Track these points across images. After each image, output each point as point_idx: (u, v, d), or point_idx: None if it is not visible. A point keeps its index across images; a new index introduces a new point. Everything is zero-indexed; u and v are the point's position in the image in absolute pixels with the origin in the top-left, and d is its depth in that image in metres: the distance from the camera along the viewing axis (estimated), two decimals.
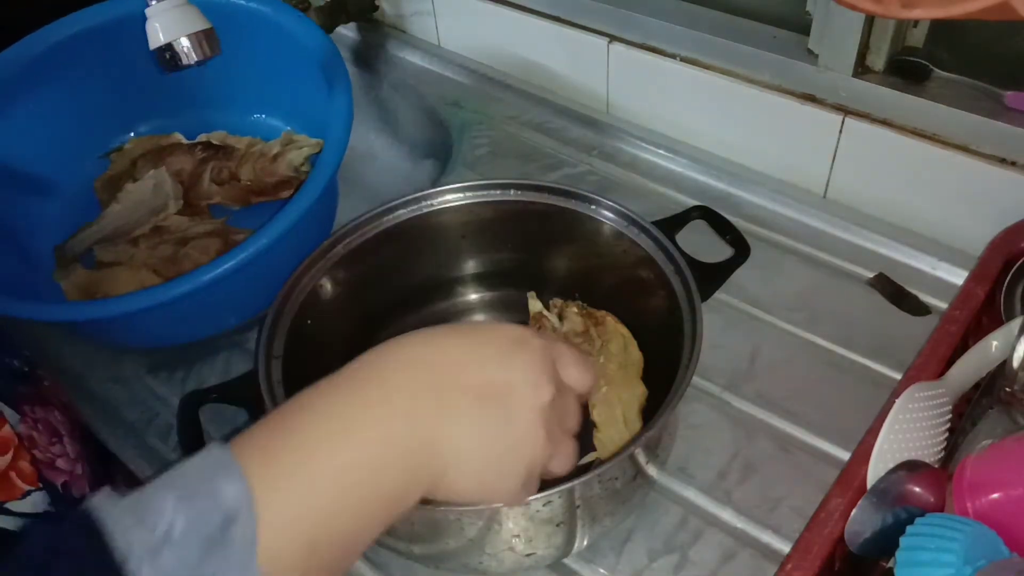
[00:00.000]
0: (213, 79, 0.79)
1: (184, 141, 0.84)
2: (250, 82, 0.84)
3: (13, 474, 0.46)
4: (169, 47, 0.56)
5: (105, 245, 0.77)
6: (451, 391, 0.37)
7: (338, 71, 0.70)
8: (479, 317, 0.70)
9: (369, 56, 1.04)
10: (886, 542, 0.45)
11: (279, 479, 0.32)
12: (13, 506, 0.46)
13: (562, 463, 0.41)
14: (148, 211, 0.78)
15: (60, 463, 0.50)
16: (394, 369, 0.38)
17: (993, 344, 0.53)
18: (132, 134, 0.86)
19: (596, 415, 0.59)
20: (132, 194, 0.79)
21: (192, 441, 0.54)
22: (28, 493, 0.47)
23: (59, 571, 0.29)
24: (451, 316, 0.67)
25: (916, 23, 0.69)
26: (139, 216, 0.78)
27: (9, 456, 0.46)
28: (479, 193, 0.65)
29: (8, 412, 0.47)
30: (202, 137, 0.85)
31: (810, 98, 0.72)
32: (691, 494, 0.57)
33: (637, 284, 0.61)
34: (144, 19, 0.56)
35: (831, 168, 0.74)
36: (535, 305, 0.66)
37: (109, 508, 0.30)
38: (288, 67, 0.78)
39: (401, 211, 0.65)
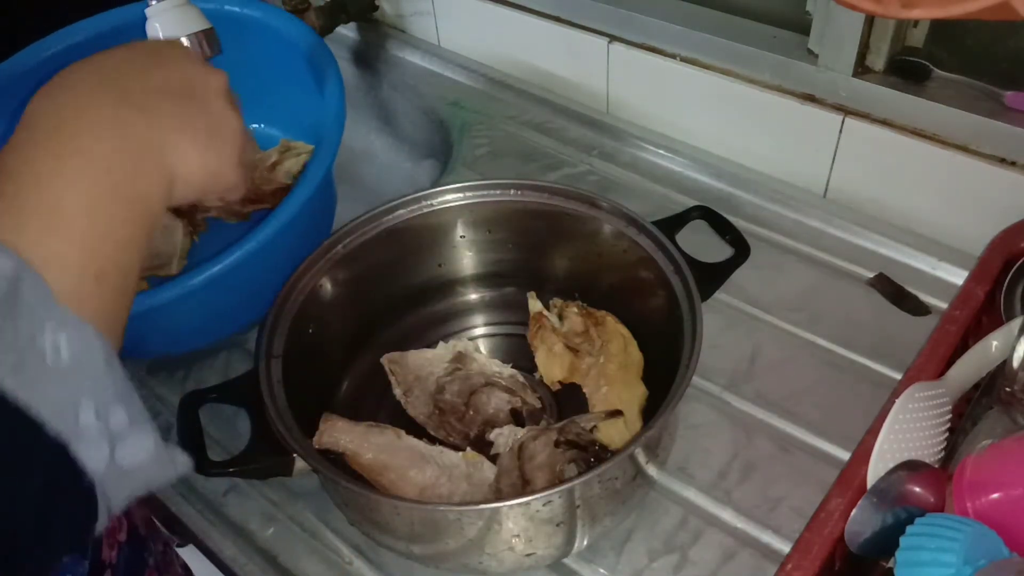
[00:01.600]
0: None
1: None
2: (246, 91, 0.83)
3: None
4: None
5: None
6: (144, 96, 0.39)
7: (330, 73, 0.69)
8: (479, 317, 0.70)
9: (369, 56, 1.04)
10: (886, 542, 0.45)
11: (38, 234, 0.33)
12: None
13: (252, 145, 0.46)
14: (152, 249, 0.76)
15: None
16: (81, 96, 0.38)
17: (993, 344, 0.53)
18: None
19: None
20: None
21: (192, 441, 0.54)
22: None
23: None
24: (451, 316, 0.67)
25: (916, 23, 0.69)
26: None
27: None
28: (479, 193, 0.65)
29: None
30: None
31: (810, 98, 0.72)
32: (691, 494, 0.57)
33: (637, 284, 0.61)
34: (138, 29, 0.56)
35: (831, 168, 0.74)
36: (535, 305, 0.66)
37: None
38: (284, 74, 0.77)
39: (401, 211, 0.65)
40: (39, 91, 0.38)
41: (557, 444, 0.54)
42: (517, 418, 0.61)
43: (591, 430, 0.57)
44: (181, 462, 0.36)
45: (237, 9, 0.75)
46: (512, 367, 0.64)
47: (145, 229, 0.37)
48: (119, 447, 0.32)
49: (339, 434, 0.57)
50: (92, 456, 0.31)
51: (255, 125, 0.87)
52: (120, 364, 0.34)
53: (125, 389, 0.34)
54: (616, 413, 0.58)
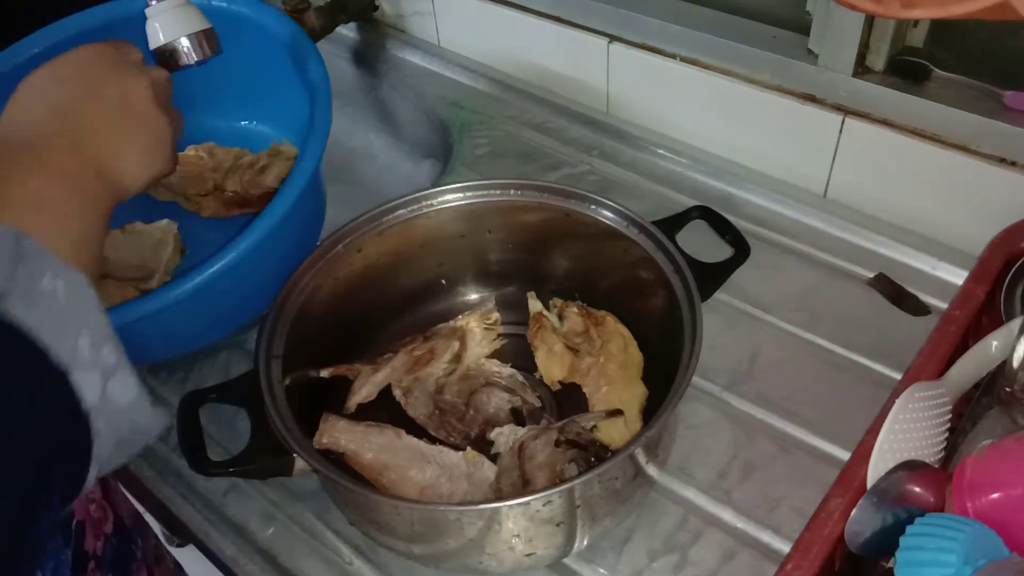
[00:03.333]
0: (201, 86, 0.78)
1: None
2: (240, 88, 0.83)
3: None
4: (169, 47, 0.56)
5: None
6: (81, 119, 0.46)
7: (316, 72, 0.68)
8: None
9: (369, 56, 1.04)
10: (886, 542, 0.45)
11: (20, 217, 0.39)
12: None
13: (178, 125, 0.54)
14: (139, 260, 0.76)
15: None
16: (27, 127, 0.45)
17: (993, 344, 0.53)
18: None
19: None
20: (139, 235, 0.77)
21: (192, 441, 0.54)
22: None
23: None
24: (451, 316, 0.67)
25: (916, 23, 0.69)
26: (130, 260, 0.76)
27: None
28: (479, 193, 0.65)
29: None
30: (190, 149, 0.83)
31: (810, 98, 0.72)
32: (691, 494, 0.57)
33: (637, 284, 0.61)
34: (138, 23, 0.56)
35: (831, 168, 0.74)
36: (535, 305, 0.66)
37: None
38: (276, 73, 0.77)
39: (401, 211, 0.65)
40: (8, 105, 0.46)
41: (557, 443, 0.55)
42: (517, 417, 0.61)
43: (591, 429, 0.57)
44: (160, 414, 0.40)
45: (225, 5, 0.75)
46: (512, 367, 0.64)
47: (101, 218, 0.45)
48: (110, 382, 0.36)
49: (339, 434, 0.57)
50: (88, 385, 0.35)
51: (246, 122, 0.87)
52: (103, 308, 0.38)
53: (112, 332, 0.38)
54: (616, 412, 0.58)
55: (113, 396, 0.36)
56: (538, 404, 0.62)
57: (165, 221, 0.78)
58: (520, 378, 0.63)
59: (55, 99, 0.47)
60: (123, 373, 0.37)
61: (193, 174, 0.82)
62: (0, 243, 0.36)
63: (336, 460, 0.56)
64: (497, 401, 0.61)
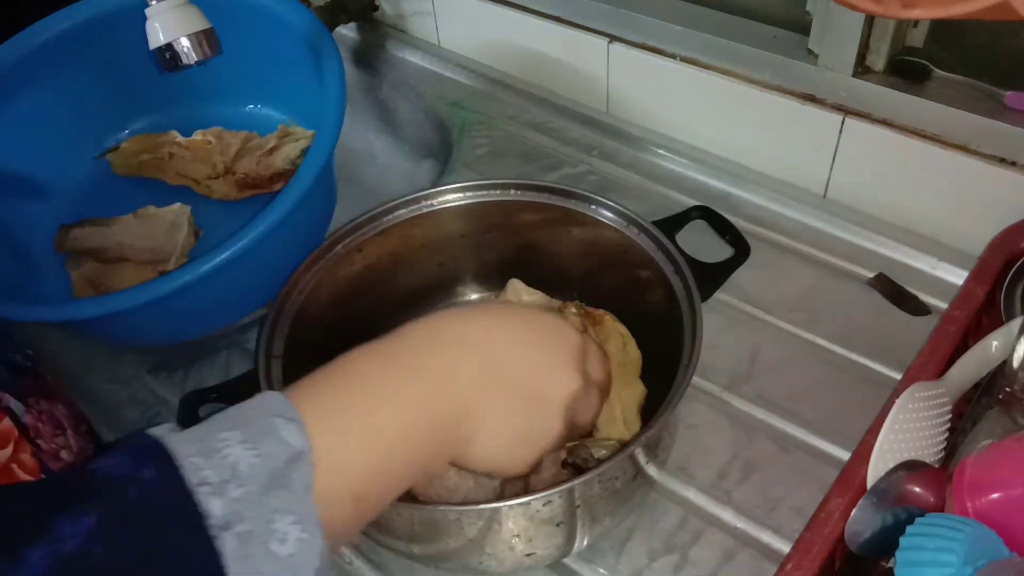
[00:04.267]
0: (207, 71, 0.78)
1: (181, 139, 0.84)
2: (244, 73, 0.83)
3: (15, 466, 0.46)
4: (169, 47, 0.56)
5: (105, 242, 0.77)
6: (494, 377, 0.42)
7: (330, 56, 0.69)
8: None
9: (369, 56, 1.04)
10: (886, 542, 0.45)
11: (330, 434, 0.35)
12: None
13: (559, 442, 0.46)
14: (154, 244, 0.77)
15: (63, 454, 0.50)
16: (443, 343, 0.42)
17: (993, 344, 0.53)
18: (127, 131, 0.85)
19: None
20: (152, 218, 0.78)
21: None
22: None
23: (131, 497, 0.30)
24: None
25: (916, 23, 0.69)
26: (144, 244, 0.77)
27: (9, 449, 0.46)
28: (479, 193, 0.65)
29: (14, 403, 0.47)
30: (198, 134, 0.84)
31: (810, 98, 0.72)
32: (691, 494, 0.57)
33: (637, 284, 0.61)
34: (136, 12, 0.56)
35: (831, 168, 0.74)
36: (516, 293, 0.66)
37: (177, 441, 0.32)
38: (281, 56, 0.77)
39: (401, 211, 0.65)
40: (417, 323, 0.43)
41: (564, 464, 0.54)
42: None
43: (598, 458, 0.56)
44: None
45: None
46: None
47: (412, 481, 0.40)
48: None
49: None
50: None
51: (252, 106, 0.87)
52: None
53: None
54: (625, 445, 0.57)
55: None
56: None
57: (178, 204, 0.79)
58: None
59: (475, 330, 0.43)
60: None
61: (202, 158, 0.83)
62: (271, 439, 0.33)
63: None
64: None
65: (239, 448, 0.33)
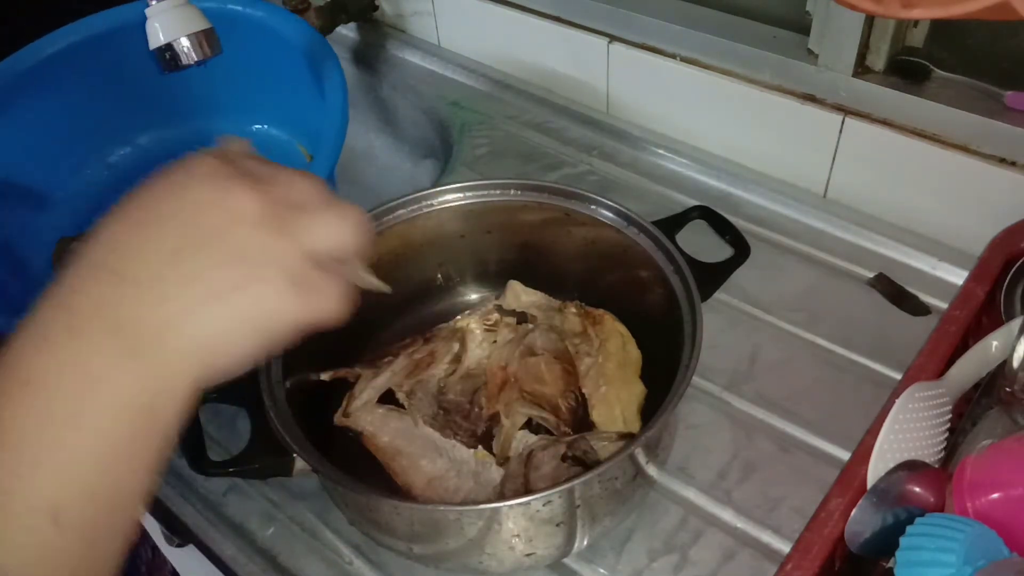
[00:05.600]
0: (212, 88, 0.78)
1: None
2: (249, 91, 0.83)
3: None
4: (169, 47, 0.56)
5: None
6: (150, 284, 0.31)
7: (333, 76, 0.69)
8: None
9: (369, 56, 1.04)
10: (886, 542, 0.45)
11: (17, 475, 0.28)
12: None
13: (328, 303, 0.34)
14: None
15: None
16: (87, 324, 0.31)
17: (993, 344, 0.53)
18: (129, 148, 0.85)
19: (595, 415, 0.59)
20: None
21: (192, 441, 0.54)
22: None
23: None
24: (451, 317, 0.67)
25: (916, 23, 0.69)
26: None
27: None
28: (479, 193, 0.65)
29: None
30: None
31: (810, 98, 0.72)
32: (691, 494, 0.57)
33: (637, 284, 0.61)
34: (140, 29, 0.56)
35: (831, 168, 0.74)
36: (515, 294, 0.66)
37: None
38: (287, 75, 0.77)
39: (401, 211, 0.65)
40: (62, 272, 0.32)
41: (564, 458, 0.55)
42: None
43: (598, 451, 0.56)
44: None
45: (240, 8, 0.75)
46: None
47: (144, 447, 0.31)
48: None
49: (361, 413, 0.57)
50: None
51: (259, 126, 0.87)
52: None
53: None
54: (628, 436, 0.58)
55: None
56: None
57: None
58: None
59: (113, 261, 0.32)
60: None
61: None
62: None
63: (336, 460, 0.56)
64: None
65: None
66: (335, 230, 0.35)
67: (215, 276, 0.31)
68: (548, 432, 0.58)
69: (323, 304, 0.34)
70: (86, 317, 0.31)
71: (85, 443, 0.29)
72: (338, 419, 0.57)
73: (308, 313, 0.34)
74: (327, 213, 0.35)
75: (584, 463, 0.54)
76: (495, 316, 0.66)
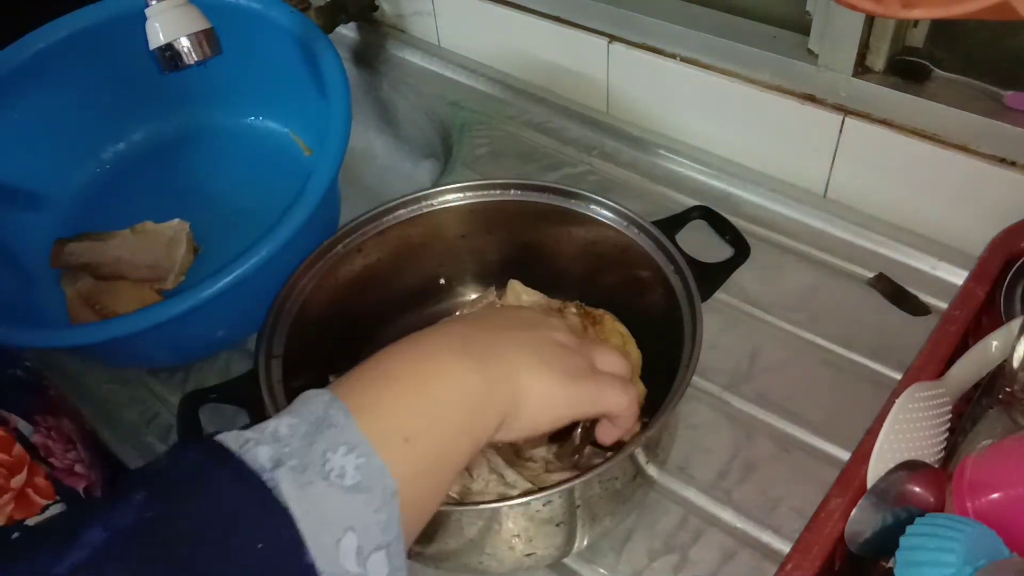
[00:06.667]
0: (208, 81, 0.77)
1: None
2: (246, 84, 0.82)
3: (30, 491, 0.46)
4: (169, 47, 0.56)
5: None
6: (489, 338, 0.42)
7: (335, 74, 0.68)
8: None
9: (369, 56, 1.04)
10: (886, 542, 0.45)
11: (373, 394, 0.36)
12: (32, 523, 0.45)
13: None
14: (152, 260, 0.75)
15: (78, 468, 0.50)
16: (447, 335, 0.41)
17: (993, 344, 0.53)
18: (123, 144, 0.84)
19: None
20: (150, 234, 0.77)
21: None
22: (46, 508, 0.46)
23: (174, 474, 0.31)
24: (450, 316, 0.67)
25: (916, 23, 0.69)
26: (142, 260, 0.75)
27: (24, 474, 0.46)
28: (479, 193, 0.65)
29: (22, 423, 0.47)
30: None
31: (810, 98, 0.72)
32: (691, 494, 0.57)
33: (637, 284, 0.61)
34: (135, 20, 0.56)
35: (831, 168, 0.74)
36: (516, 294, 0.66)
37: (225, 436, 0.32)
38: (285, 68, 0.77)
39: (401, 211, 0.65)
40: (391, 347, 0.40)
41: (583, 443, 0.55)
42: None
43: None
44: None
45: (243, 1, 0.74)
46: None
47: (471, 450, 0.38)
48: None
49: None
50: None
51: (254, 118, 0.86)
52: (399, 521, 0.33)
53: (395, 542, 0.33)
54: (625, 446, 0.57)
55: None
56: None
57: (176, 220, 0.78)
58: None
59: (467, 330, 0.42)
60: None
61: None
62: (310, 407, 0.34)
63: None
64: None
65: (276, 421, 0.33)
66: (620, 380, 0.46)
67: (545, 350, 0.42)
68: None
69: (614, 397, 0.45)
70: (464, 347, 0.40)
71: (432, 407, 0.37)
72: None
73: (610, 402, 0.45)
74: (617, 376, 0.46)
75: (603, 446, 0.54)
76: (499, 305, 0.66)
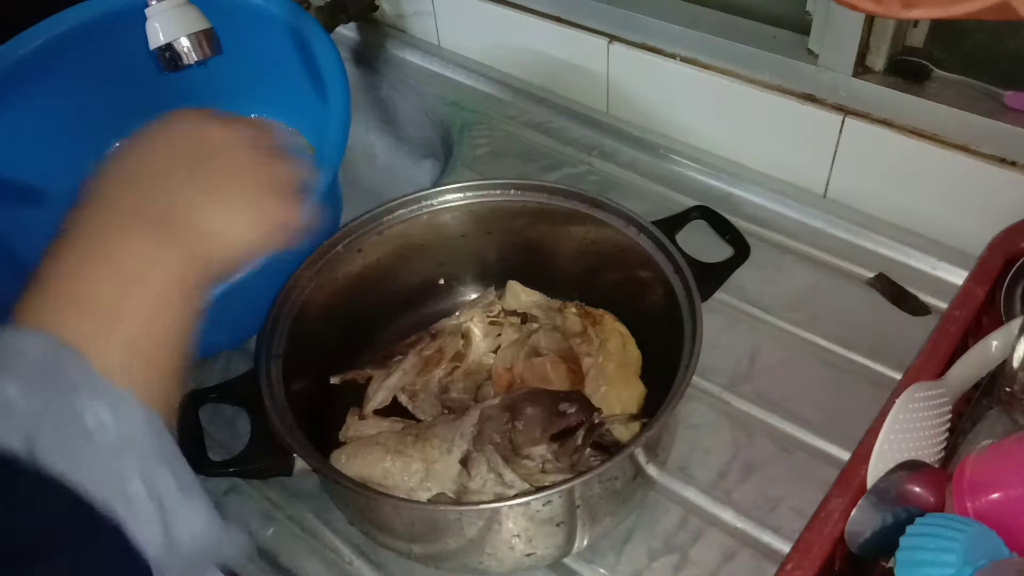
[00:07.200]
0: (209, 78, 0.77)
1: None
2: (247, 82, 0.82)
3: None
4: (169, 47, 0.56)
5: None
6: (151, 178, 0.41)
7: (335, 73, 0.68)
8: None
9: (369, 56, 1.04)
10: (886, 542, 0.45)
11: (76, 320, 0.34)
12: None
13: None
14: None
15: None
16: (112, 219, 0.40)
17: (993, 344, 0.53)
18: (124, 139, 0.84)
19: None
20: None
21: (192, 441, 0.54)
22: None
23: None
24: (450, 316, 0.67)
25: (916, 23, 0.69)
26: None
27: None
28: (479, 193, 0.65)
29: None
30: None
31: (810, 98, 0.72)
32: (691, 494, 0.57)
33: (637, 284, 0.61)
34: (134, 14, 0.56)
35: (831, 168, 0.74)
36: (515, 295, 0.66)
37: None
38: (286, 64, 0.76)
39: (401, 211, 0.65)
40: (83, 199, 0.40)
41: (583, 444, 0.55)
42: None
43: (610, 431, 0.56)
44: (235, 537, 0.36)
45: None
46: None
47: (174, 311, 0.38)
48: (171, 519, 0.32)
49: (365, 428, 0.58)
50: (147, 535, 0.30)
51: (255, 114, 0.86)
52: (169, 432, 0.34)
53: (173, 455, 0.33)
54: (637, 417, 0.58)
55: (177, 535, 0.32)
56: None
57: None
58: None
59: (134, 187, 0.41)
60: (188, 502, 0.33)
61: None
62: (30, 358, 0.31)
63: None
64: None
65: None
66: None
67: (225, 187, 0.41)
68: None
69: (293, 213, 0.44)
70: (132, 216, 0.39)
71: (144, 305, 0.36)
72: (354, 429, 0.58)
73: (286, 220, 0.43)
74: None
75: (601, 445, 0.54)
76: (498, 307, 0.66)
